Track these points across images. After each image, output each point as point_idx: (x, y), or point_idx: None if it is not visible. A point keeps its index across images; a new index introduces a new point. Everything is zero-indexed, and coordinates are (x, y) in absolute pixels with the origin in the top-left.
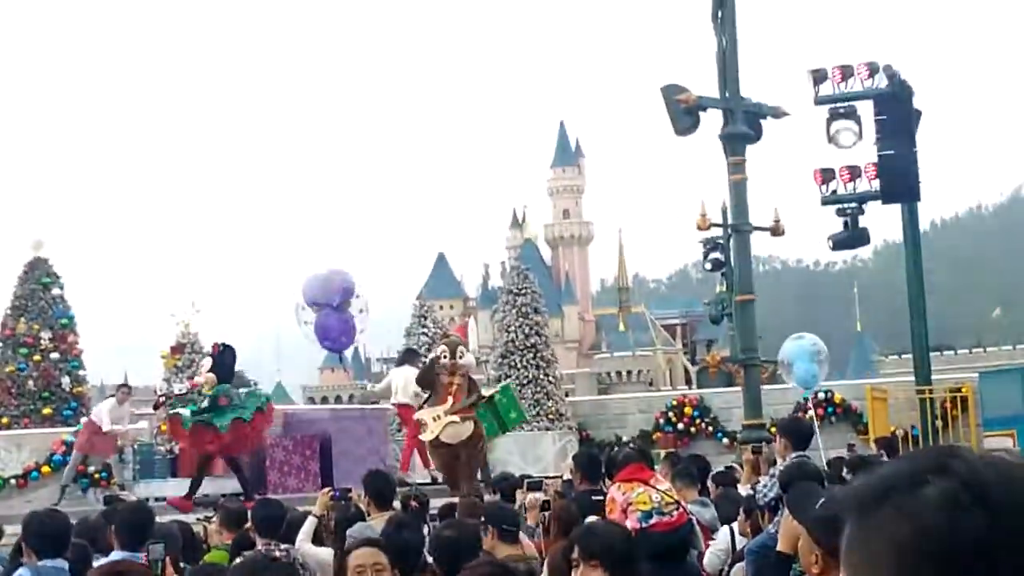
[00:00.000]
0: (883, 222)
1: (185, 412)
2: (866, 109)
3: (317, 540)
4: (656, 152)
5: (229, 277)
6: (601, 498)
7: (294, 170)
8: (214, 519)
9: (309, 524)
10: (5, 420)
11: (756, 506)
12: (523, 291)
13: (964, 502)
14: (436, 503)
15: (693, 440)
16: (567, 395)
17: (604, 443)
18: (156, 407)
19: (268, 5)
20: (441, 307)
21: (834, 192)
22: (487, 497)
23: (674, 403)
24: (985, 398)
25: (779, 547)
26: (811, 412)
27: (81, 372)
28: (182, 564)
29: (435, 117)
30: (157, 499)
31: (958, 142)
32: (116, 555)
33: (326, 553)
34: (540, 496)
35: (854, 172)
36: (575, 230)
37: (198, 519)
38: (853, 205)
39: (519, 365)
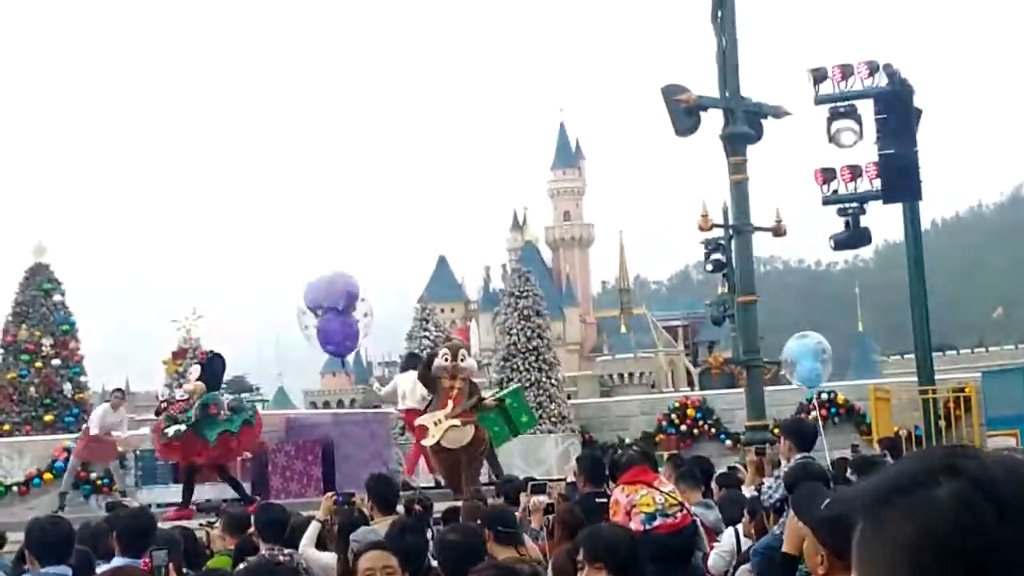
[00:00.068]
0: (884, 222)
1: (169, 431)
2: (867, 108)
3: (320, 545)
4: (657, 153)
5: (230, 282)
6: (605, 500)
7: (295, 175)
8: (217, 524)
9: (312, 529)
10: (7, 427)
11: (760, 507)
12: (524, 294)
13: (974, 501)
14: (440, 507)
15: (696, 442)
16: (569, 398)
17: (607, 445)
18: (158, 413)
19: (268, 12)
20: (442, 310)
21: (835, 192)
22: (491, 501)
23: (676, 405)
24: (988, 398)
25: (784, 548)
26: (815, 413)
27: (82, 378)
28: (185, 570)
29: (435, 120)
30: (159, 505)
31: (959, 141)
32: (118, 561)
33: (329, 558)
34: (544, 499)
35: (855, 172)
36: (576, 232)
37: (201, 525)
38: (854, 205)
39: (521, 368)
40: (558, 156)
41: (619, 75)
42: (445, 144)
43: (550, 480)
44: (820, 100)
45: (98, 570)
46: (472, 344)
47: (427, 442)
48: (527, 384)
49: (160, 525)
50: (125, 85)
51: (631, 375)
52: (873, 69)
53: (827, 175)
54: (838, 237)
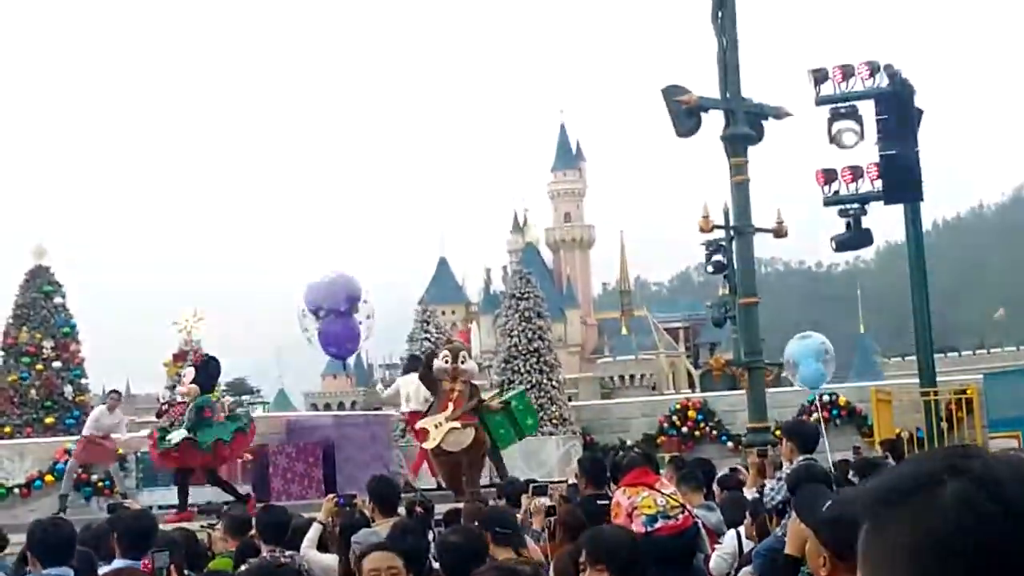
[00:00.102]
0: (885, 223)
1: (168, 440)
2: (867, 109)
3: (322, 547)
4: (657, 154)
5: (231, 283)
6: (606, 502)
7: (296, 176)
8: (218, 526)
9: (314, 531)
10: (8, 429)
11: (763, 509)
12: (525, 295)
13: (979, 501)
14: (441, 509)
15: (697, 444)
16: (570, 400)
17: (608, 447)
18: (159, 415)
19: (270, 14)
20: (443, 312)
21: (836, 193)
22: (492, 503)
23: (678, 407)
24: (990, 399)
25: (787, 550)
26: (816, 415)
27: (83, 381)
28: (186, 572)
29: (435, 122)
30: (160, 507)
31: (960, 142)
32: (118, 563)
33: (331, 559)
34: (545, 501)
35: (856, 172)
36: (576, 233)
37: (202, 527)
38: (855, 206)
39: (522, 370)
40: (558, 157)
41: (619, 76)
42: (445, 146)
43: (552, 482)
44: (821, 101)
45: (100, 571)
46: (473, 346)
47: (428, 445)
48: (528, 386)
49: (161, 527)
50: (128, 85)
51: (632, 377)
52: (874, 70)
53: (828, 176)
54: (839, 238)
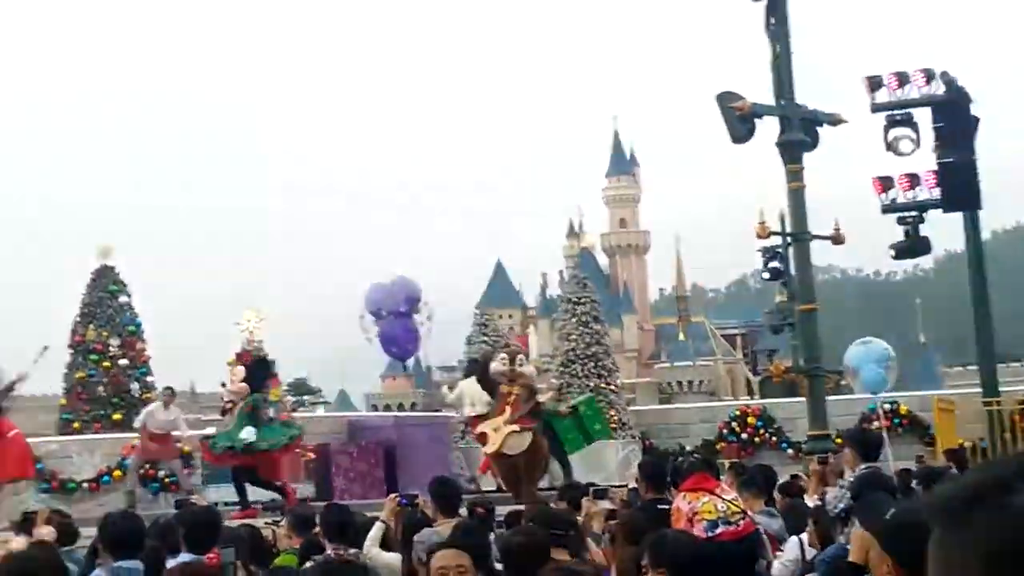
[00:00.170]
0: (944, 231)
1: (221, 444)
2: (923, 116)
3: (384, 546)
4: (712, 160)
5: (293, 284)
6: (667, 507)
7: (356, 180)
8: (282, 523)
9: (377, 529)
10: (77, 425)
11: (825, 516)
12: (582, 300)
13: None
14: (502, 510)
15: (757, 450)
16: (629, 404)
17: (667, 452)
18: (223, 413)
19: (336, 19)
20: (500, 316)
21: (894, 200)
22: (552, 505)
23: (737, 413)
24: None
25: (851, 557)
26: (878, 423)
27: (149, 378)
28: (252, 567)
29: (491, 126)
30: (226, 504)
31: (1018, 150)
32: (184, 556)
33: (392, 558)
34: (606, 504)
35: (913, 180)
36: (632, 239)
37: (266, 523)
38: (913, 213)
39: (580, 374)
40: (613, 163)
41: (673, 82)
42: (501, 151)
43: (612, 486)
44: (876, 108)
45: (167, 565)
46: (531, 351)
47: (488, 449)
48: (586, 390)
49: (225, 523)
50: (193, 87)
51: (690, 383)
52: (930, 77)
53: (885, 183)
54: (898, 246)
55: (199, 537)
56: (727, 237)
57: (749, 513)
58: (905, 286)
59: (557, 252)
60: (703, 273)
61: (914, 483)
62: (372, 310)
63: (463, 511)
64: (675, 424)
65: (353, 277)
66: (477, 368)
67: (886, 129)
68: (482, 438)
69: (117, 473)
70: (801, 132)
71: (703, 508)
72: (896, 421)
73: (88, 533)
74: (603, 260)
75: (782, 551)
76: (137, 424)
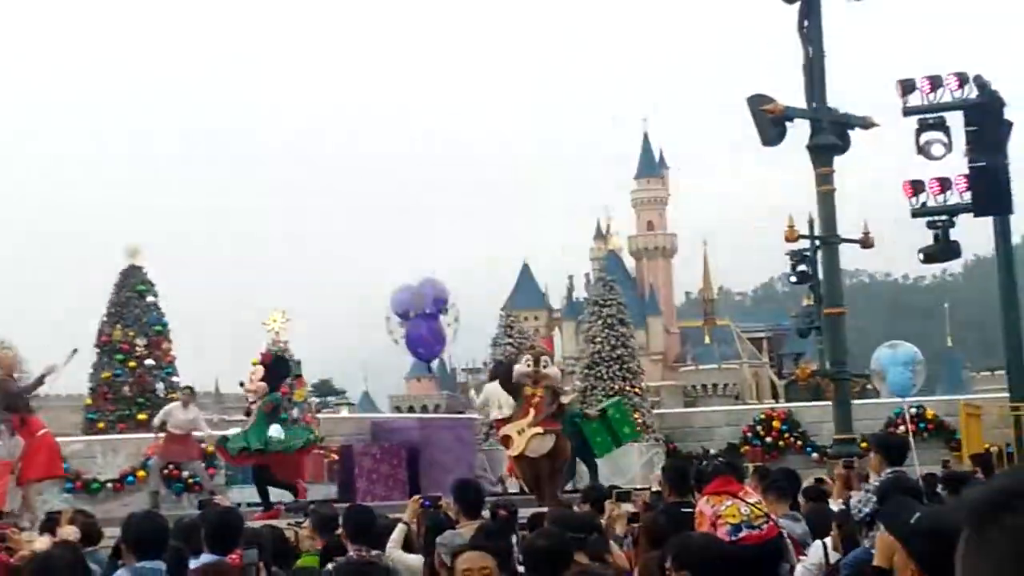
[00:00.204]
0: (974, 236)
1: (233, 445)
2: (955, 120)
3: (406, 548)
4: (741, 163)
5: (318, 286)
6: (690, 510)
7: (383, 182)
8: (305, 524)
9: (399, 531)
10: (101, 425)
11: (849, 521)
12: (608, 302)
13: None
14: (525, 512)
15: (781, 454)
16: (653, 407)
17: (691, 455)
18: (247, 413)
19: (357, 23)
20: (526, 318)
21: (924, 204)
22: (575, 508)
23: (762, 417)
24: None
25: (875, 562)
26: (904, 427)
27: (175, 378)
28: (274, 568)
29: (519, 128)
30: (249, 504)
31: None
32: (206, 557)
33: (415, 560)
34: (629, 507)
35: (944, 184)
36: (659, 242)
37: (289, 524)
38: (944, 218)
39: (605, 376)
40: (641, 165)
41: (703, 85)
42: (529, 153)
43: (635, 489)
44: (908, 111)
45: (190, 565)
46: (556, 353)
47: (512, 452)
48: (611, 392)
49: (248, 524)
50: (223, 86)
51: (715, 386)
52: (963, 81)
53: (916, 187)
54: (927, 250)
55: (222, 537)
56: (755, 240)
57: (773, 517)
58: (934, 291)
59: (584, 254)
60: (730, 276)
61: (939, 488)
62: (399, 311)
63: (486, 513)
64: (699, 427)
65: (381, 277)
66: (502, 371)
67: (918, 133)
68: (506, 441)
69: (141, 473)
70: (832, 135)
71: (726, 511)
72: (921, 426)
73: (112, 533)
74: (630, 263)
75: (805, 555)
76: (156, 423)
